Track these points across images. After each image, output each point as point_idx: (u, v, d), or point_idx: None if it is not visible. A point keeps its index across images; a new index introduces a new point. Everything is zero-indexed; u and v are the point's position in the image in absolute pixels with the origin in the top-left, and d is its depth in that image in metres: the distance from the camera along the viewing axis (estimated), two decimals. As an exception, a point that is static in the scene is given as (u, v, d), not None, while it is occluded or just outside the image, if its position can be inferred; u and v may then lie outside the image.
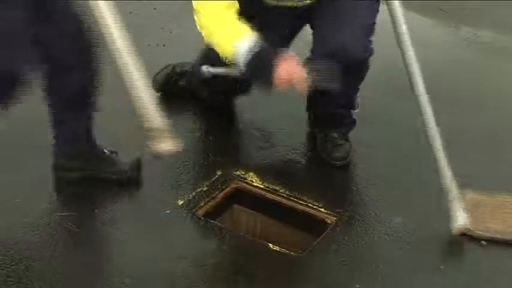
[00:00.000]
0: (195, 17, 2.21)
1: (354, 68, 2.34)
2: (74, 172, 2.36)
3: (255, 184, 2.45)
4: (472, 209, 2.29)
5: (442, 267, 2.15)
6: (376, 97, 2.88)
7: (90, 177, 2.37)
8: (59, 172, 2.38)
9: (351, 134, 2.62)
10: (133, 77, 1.89)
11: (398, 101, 2.85)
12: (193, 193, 2.37)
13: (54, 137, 2.38)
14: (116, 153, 2.43)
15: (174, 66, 2.78)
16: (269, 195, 2.40)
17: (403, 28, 2.13)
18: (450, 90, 2.97)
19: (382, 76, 2.90)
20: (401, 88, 2.92)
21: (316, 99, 2.50)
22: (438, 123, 2.20)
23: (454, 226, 2.21)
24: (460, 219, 2.20)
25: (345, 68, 2.19)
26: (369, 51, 2.38)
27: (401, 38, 2.16)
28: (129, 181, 2.37)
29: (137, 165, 2.39)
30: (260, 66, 2.12)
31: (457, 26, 3.64)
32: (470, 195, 2.36)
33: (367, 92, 2.85)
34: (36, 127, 2.67)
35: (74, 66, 2.16)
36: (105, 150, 2.40)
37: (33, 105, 2.79)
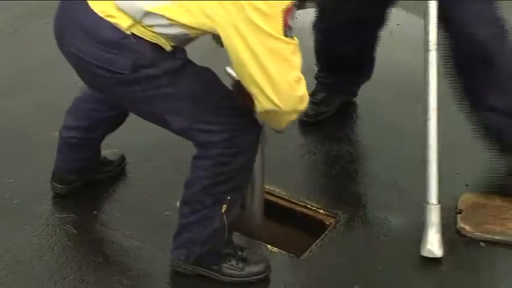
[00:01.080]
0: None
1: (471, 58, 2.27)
2: (74, 184, 2.34)
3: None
4: (471, 211, 2.30)
5: (441, 268, 2.15)
6: (378, 98, 2.88)
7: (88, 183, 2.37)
8: (59, 185, 2.32)
9: (351, 136, 2.61)
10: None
11: (400, 103, 2.86)
12: (192, 194, 2.37)
13: (59, 151, 2.30)
14: None
15: None
16: (268, 197, 2.40)
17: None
18: (449, 91, 2.96)
19: (387, 78, 2.91)
20: (404, 90, 2.93)
21: None
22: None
23: (424, 250, 2.13)
24: (432, 244, 2.13)
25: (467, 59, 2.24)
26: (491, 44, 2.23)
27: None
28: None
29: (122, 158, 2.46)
30: None
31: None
32: (470, 197, 2.36)
33: (369, 93, 2.86)
34: (34, 129, 2.67)
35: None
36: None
37: (30, 106, 2.80)
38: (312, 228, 2.35)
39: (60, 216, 2.26)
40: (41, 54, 3.16)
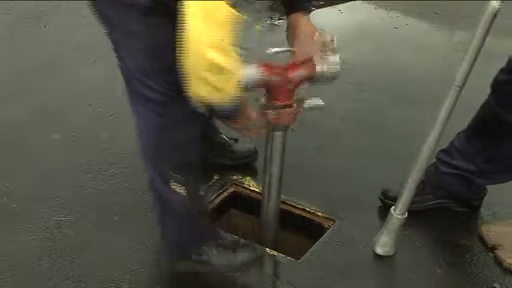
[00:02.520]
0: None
1: None
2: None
3: (251, 188, 2.46)
4: (507, 243, 2.21)
5: (438, 271, 2.15)
6: (375, 102, 2.89)
7: (205, 159, 2.35)
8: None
9: (349, 139, 2.62)
10: None
11: (399, 108, 2.86)
12: (190, 198, 2.37)
13: None
14: (236, 140, 2.51)
15: None
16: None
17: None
18: (445, 93, 2.97)
19: (385, 81, 2.91)
20: (402, 94, 2.94)
21: None
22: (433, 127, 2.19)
23: (378, 249, 2.18)
24: (383, 246, 2.16)
25: None
26: None
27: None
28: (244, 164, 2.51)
29: (254, 152, 2.52)
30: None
31: (452, 29, 3.65)
32: (493, 228, 2.28)
33: (367, 97, 2.86)
34: (31, 132, 2.68)
35: None
36: (224, 137, 2.46)
37: (27, 110, 2.81)
38: (310, 231, 2.35)
39: (58, 219, 2.26)
40: (39, 57, 3.17)
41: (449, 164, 2.33)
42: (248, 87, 1.85)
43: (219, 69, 1.63)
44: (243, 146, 2.54)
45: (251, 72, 1.85)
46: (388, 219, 2.14)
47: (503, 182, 2.31)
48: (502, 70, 2.18)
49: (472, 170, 2.28)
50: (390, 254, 2.17)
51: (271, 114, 1.95)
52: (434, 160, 2.36)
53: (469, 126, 2.30)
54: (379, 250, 2.17)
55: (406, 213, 2.12)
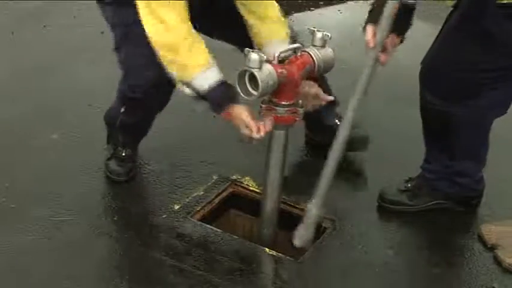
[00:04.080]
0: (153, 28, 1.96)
1: None
2: None
3: (251, 188, 2.46)
4: (507, 243, 2.21)
5: (438, 271, 2.15)
6: (376, 103, 2.89)
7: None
8: None
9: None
10: None
11: (398, 108, 2.86)
12: (190, 198, 2.37)
13: None
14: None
15: None
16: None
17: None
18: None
19: (387, 83, 2.91)
20: (403, 96, 2.94)
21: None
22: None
23: (295, 241, 2.09)
24: (300, 238, 2.08)
25: None
26: None
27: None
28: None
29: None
30: (220, 101, 1.98)
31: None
32: (492, 228, 2.28)
33: (366, 97, 2.85)
34: (30, 132, 2.68)
35: None
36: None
37: (27, 110, 2.81)
38: (309, 231, 2.34)
39: (57, 220, 2.26)
40: (39, 57, 3.17)
41: (429, 169, 2.34)
42: (267, 90, 1.89)
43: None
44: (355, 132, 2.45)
45: (268, 73, 1.87)
46: (306, 211, 2.07)
47: (479, 172, 2.32)
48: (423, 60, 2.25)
49: (448, 171, 2.30)
50: (307, 247, 2.10)
51: (274, 113, 1.96)
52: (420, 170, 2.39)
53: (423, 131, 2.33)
54: (296, 242, 2.07)
55: (323, 207, 2.05)
